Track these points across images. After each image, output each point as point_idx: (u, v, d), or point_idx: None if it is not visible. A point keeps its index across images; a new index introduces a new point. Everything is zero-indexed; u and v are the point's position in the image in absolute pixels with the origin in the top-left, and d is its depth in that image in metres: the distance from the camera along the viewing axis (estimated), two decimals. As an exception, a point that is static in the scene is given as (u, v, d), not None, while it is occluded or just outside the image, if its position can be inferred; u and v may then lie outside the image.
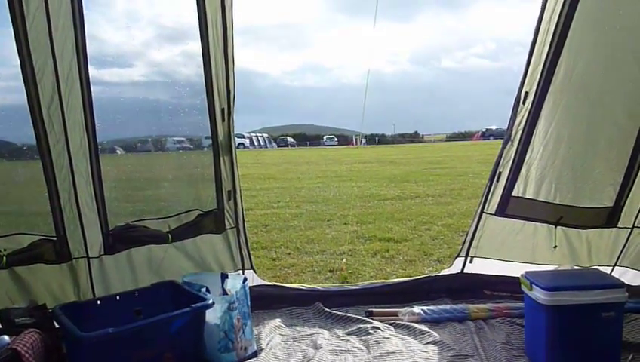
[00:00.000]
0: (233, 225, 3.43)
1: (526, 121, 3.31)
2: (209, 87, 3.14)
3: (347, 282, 4.05)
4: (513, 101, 3.30)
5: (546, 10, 3.09)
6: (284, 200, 9.01)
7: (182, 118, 3.27)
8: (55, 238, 2.92)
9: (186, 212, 3.28)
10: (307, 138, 65.04)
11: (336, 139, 60.23)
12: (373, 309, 3.35)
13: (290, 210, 7.82)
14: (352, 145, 50.95)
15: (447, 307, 3.33)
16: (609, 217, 3.35)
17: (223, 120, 3.23)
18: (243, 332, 2.84)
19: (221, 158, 3.30)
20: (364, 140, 58.72)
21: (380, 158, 21.80)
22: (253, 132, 67.09)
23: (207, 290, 2.83)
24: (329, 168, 16.65)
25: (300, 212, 7.65)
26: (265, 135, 58.90)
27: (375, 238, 5.67)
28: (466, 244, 3.58)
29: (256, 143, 53.98)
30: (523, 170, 3.39)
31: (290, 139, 60.41)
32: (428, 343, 2.99)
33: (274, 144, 57.99)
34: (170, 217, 3.24)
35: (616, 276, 3.16)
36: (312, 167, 17.84)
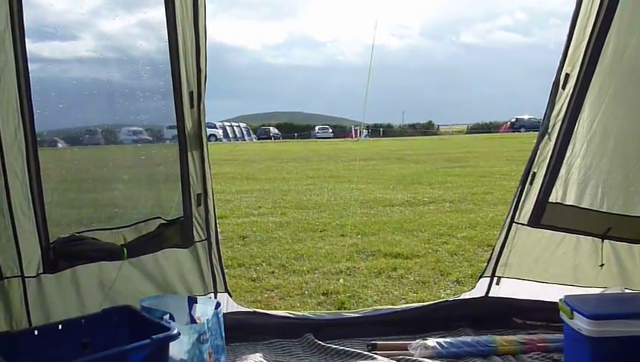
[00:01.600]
0: (203, 238, 3.44)
1: (566, 110, 3.32)
2: (175, 65, 3.17)
3: (345, 308, 4.07)
4: (551, 85, 3.30)
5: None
6: (267, 205, 9.03)
7: (140, 104, 3.26)
8: (-20, 253, 2.96)
9: (145, 221, 3.29)
10: (295, 128, 65.11)
11: (330, 131, 60.49)
12: (377, 342, 3.35)
13: (274, 218, 7.82)
14: (351, 137, 51.30)
15: (469, 339, 3.34)
16: (668, 229, 3.40)
17: (192, 106, 3.26)
18: (216, 370, 2.88)
19: (189, 153, 3.33)
20: (365, 132, 58.84)
21: (385, 154, 21.92)
22: (227, 121, 67.03)
23: (172, 318, 2.83)
24: (322, 166, 16.67)
25: (287, 220, 7.65)
26: (242, 125, 58.77)
27: (379, 254, 5.69)
28: (492, 262, 3.61)
29: (231, 135, 53.91)
30: (562, 171, 3.44)
31: (273, 130, 60.29)
32: (444, 384, 3.08)
33: (253, 136, 57.90)
34: (125, 227, 3.25)
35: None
36: (301, 164, 17.87)
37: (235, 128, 55.46)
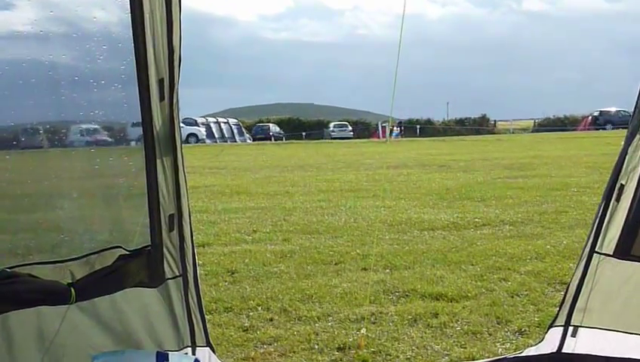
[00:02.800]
0: (177, 273, 3.47)
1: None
2: (140, 43, 3.21)
3: (368, 368, 4.04)
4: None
5: None
6: (264, 229, 8.98)
7: (95, 94, 3.33)
8: None
9: (101, 251, 3.32)
10: (302, 126, 65.01)
11: (350, 129, 60.68)
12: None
13: (273, 246, 7.77)
14: (377, 137, 51.31)
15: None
16: None
17: (162, 97, 3.30)
18: None
19: (158, 160, 3.36)
20: (396, 130, 59.02)
21: (423, 160, 21.94)
22: (212, 116, 67.00)
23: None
24: (338, 177, 16.73)
25: (290, 249, 7.61)
26: (232, 121, 59.20)
27: (415, 294, 5.67)
28: (567, 305, 3.59)
29: (217, 134, 54.11)
30: (661, 183, 3.51)
31: (273, 128, 60.43)
32: None
33: (247, 136, 58.05)
34: (73, 260, 3.26)
35: None
36: (311, 174, 17.90)
37: (223, 125, 55.61)
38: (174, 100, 3.32)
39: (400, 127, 56.46)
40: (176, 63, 3.28)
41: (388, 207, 10.85)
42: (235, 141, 53.50)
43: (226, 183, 15.39)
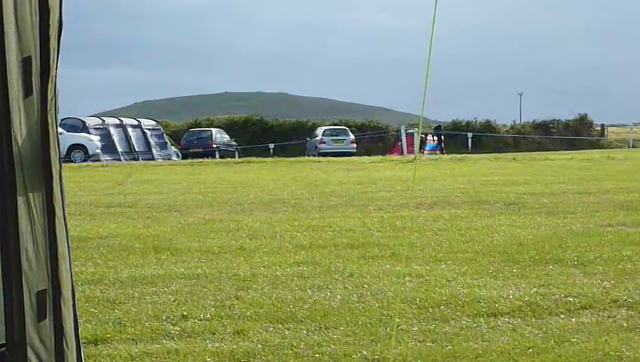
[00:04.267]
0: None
1: None
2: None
3: None
4: None
5: None
6: (201, 314, 8.70)
7: None
8: None
9: None
10: (268, 133, 64.52)
11: (352, 138, 58.83)
12: None
13: (217, 345, 7.60)
14: (399, 152, 50.29)
15: None
16: None
17: (29, 91, 3.35)
18: None
19: (20, 199, 3.44)
20: (432, 141, 57.81)
21: (478, 193, 20.67)
22: (113, 114, 66.07)
23: None
24: (331, 222, 16.14)
25: (247, 350, 7.37)
26: (147, 123, 56.03)
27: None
28: None
29: (121, 146, 50.44)
30: None
31: (219, 136, 58.41)
32: None
33: (172, 149, 55.34)
34: None
35: None
36: (283, 216, 17.34)
37: (132, 132, 52.33)
38: (49, 93, 3.35)
39: (438, 135, 55.66)
40: (53, 31, 3.32)
41: (417, 275, 10.58)
42: (153, 158, 50.60)
43: (136, 232, 14.99)
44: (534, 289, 9.58)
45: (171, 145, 56.36)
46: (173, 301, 9.24)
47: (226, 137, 59.52)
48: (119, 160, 46.53)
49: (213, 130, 60.40)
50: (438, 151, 50.50)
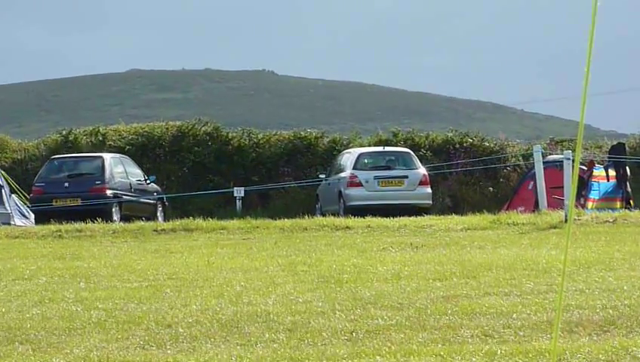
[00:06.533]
0: None
1: None
2: None
3: None
4: None
5: None
6: None
7: None
8: None
9: None
10: (238, 163, 37.37)
11: (421, 174, 30.21)
12: None
13: None
14: (526, 204, 27.91)
15: None
16: None
17: None
18: None
19: None
20: (606, 179, 29.05)
21: None
22: None
23: None
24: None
25: None
26: None
27: None
28: None
29: None
30: None
31: (121, 172, 30.08)
32: None
33: (20, 205, 33.64)
34: None
35: None
36: (272, 355, 11.83)
37: None
38: None
39: (621, 166, 30.82)
40: None
41: None
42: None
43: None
44: None
45: (17, 193, 34.04)
46: None
47: (137, 173, 35.68)
48: None
49: (108, 157, 35.03)
50: (619, 200, 29.23)
